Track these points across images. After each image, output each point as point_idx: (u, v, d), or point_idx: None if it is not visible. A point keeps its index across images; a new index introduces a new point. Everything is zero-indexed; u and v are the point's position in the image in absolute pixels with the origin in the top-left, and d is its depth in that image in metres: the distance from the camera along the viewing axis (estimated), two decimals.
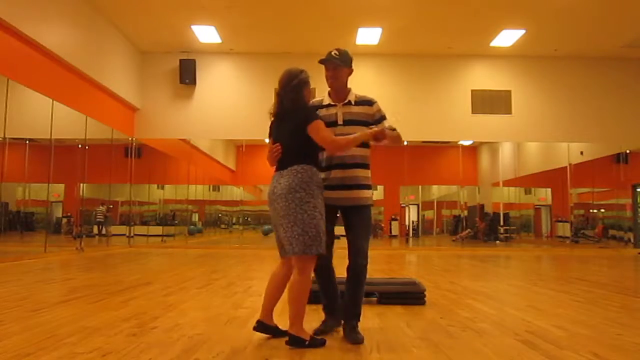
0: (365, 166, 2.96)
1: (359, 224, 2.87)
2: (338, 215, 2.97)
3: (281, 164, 2.75)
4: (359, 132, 2.82)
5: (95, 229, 12.43)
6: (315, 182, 2.68)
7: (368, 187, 2.95)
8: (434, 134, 12.43)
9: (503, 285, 5.48)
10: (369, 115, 2.95)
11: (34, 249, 8.87)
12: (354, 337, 2.72)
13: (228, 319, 3.28)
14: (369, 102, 2.98)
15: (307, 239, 2.57)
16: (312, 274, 2.74)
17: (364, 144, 2.93)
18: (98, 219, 12.75)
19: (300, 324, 2.60)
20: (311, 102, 3.01)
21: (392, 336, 2.86)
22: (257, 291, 4.54)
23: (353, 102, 2.96)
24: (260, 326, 2.76)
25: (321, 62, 2.95)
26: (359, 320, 2.84)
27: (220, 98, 11.99)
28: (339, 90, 2.99)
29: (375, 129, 2.81)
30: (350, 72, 3.00)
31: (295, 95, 2.76)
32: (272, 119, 2.90)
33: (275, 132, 2.85)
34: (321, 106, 3.01)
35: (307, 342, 2.58)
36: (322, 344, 2.64)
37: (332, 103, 2.98)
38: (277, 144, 2.78)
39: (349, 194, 2.87)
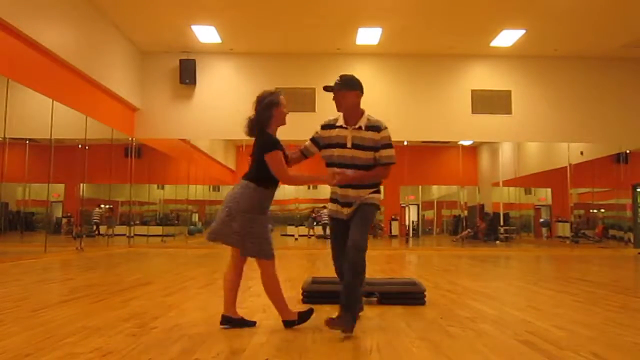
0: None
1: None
2: None
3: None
4: (320, 174, 3.11)
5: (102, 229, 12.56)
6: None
7: None
8: (434, 134, 12.42)
9: (503, 285, 5.48)
10: (375, 141, 3.05)
11: (34, 249, 8.87)
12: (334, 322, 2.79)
13: None
14: (378, 128, 3.07)
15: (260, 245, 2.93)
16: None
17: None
18: (94, 220, 12.78)
19: None
20: (326, 120, 3.19)
21: (392, 336, 2.85)
22: (256, 291, 4.53)
23: (364, 128, 3.06)
24: None
25: (325, 89, 3.17)
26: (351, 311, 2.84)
27: (220, 98, 11.97)
28: (348, 114, 3.11)
29: (337, 172, 3.02)
30: (356, 95, 3.10)
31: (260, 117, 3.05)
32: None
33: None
34: (331, 125, 3.14)
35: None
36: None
37: (344, 126, 3.11)
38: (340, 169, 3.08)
39: None
